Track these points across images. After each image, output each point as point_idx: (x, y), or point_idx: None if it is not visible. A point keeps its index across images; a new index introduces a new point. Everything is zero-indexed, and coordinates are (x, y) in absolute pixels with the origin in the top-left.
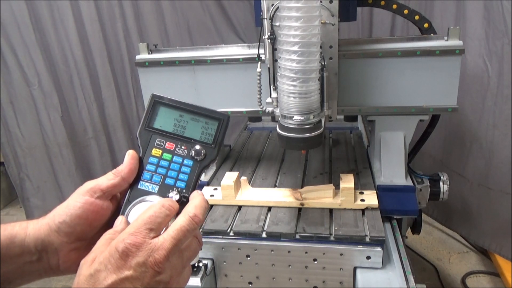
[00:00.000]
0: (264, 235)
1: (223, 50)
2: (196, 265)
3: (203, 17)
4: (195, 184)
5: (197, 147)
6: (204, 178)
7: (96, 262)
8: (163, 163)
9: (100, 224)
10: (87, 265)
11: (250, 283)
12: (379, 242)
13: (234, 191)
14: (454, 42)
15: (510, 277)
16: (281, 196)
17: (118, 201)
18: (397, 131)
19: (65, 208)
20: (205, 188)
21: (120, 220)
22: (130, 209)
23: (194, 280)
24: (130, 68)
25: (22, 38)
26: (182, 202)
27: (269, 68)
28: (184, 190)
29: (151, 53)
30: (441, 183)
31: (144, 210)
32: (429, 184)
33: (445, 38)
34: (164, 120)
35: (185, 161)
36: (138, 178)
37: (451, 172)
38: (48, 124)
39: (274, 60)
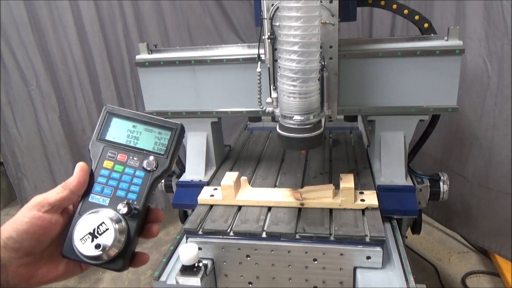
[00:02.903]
0: (264, 235)
1: (223, 50)
2: (196, 265)
3: (203, 17)
4: (148, 196)
5: (149, 158)
6: (204, 178)
7: None
8: (114, 175)
9: (50, 238)
10: None
11: (250, 283)
12: (379, 242)
13: (234, 191)
14: (454, 42)
15: (510, 277)
16: (281, 196)
17: (70, 215)
18: (397, 131)
19: (12, 224)
20: (205, 188)
21: None
22: (78, 222)
23: (194, 280)
24: (130, 68)
25: (21, 38)
26: (133, 214)
27: (269, 68)
28: (135, 202)
29: (151, 53)
30: (441, 183)
31: (91, 222)
32: (429, 184)
33: (445, 38)
34: (117, 131)
35: (137, 173)
36: (89, 190)
37: (451, 172)
38: (46, 124)
39: (274, 60)
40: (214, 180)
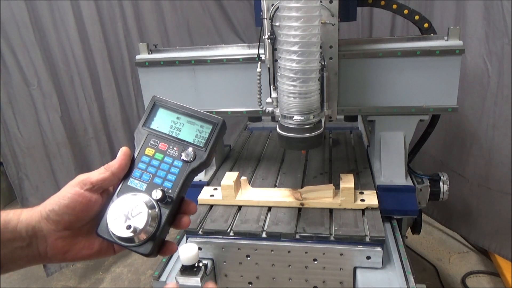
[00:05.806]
0: (264, 235)
1: (223, 50)
2: (196, 265)
3: (203, 17)
4: (183, 186)
5: (189, 149)
6: (204, 178)
7: None
8: (154, 162)
9: (88, 216)
10: None
11: (250, 283)
12: (379, 242)
13: (234, 191)
14: (454, 42)
15: (510, 277)
16: (281, 196)
17: (109, 196)
18: (397, 131)
19: (56, 198)
20: (205, 188)
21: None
22: (114, 202)
23: (194, 280)
24: (130, 68)
25: (22, 38)
26: (167, 201)
27: (269, 68)
28: (170, 190)
29: (151, 53)
30: (441, 183)
31: (126, 204)
32: (429, 184)
33: (445, 38)
34: (161, 121)
35: (175, 162)
36: (129, 174)
37: (451, 172)
38: (47, 124)
39: (274, 60)
40: (214, 180)
